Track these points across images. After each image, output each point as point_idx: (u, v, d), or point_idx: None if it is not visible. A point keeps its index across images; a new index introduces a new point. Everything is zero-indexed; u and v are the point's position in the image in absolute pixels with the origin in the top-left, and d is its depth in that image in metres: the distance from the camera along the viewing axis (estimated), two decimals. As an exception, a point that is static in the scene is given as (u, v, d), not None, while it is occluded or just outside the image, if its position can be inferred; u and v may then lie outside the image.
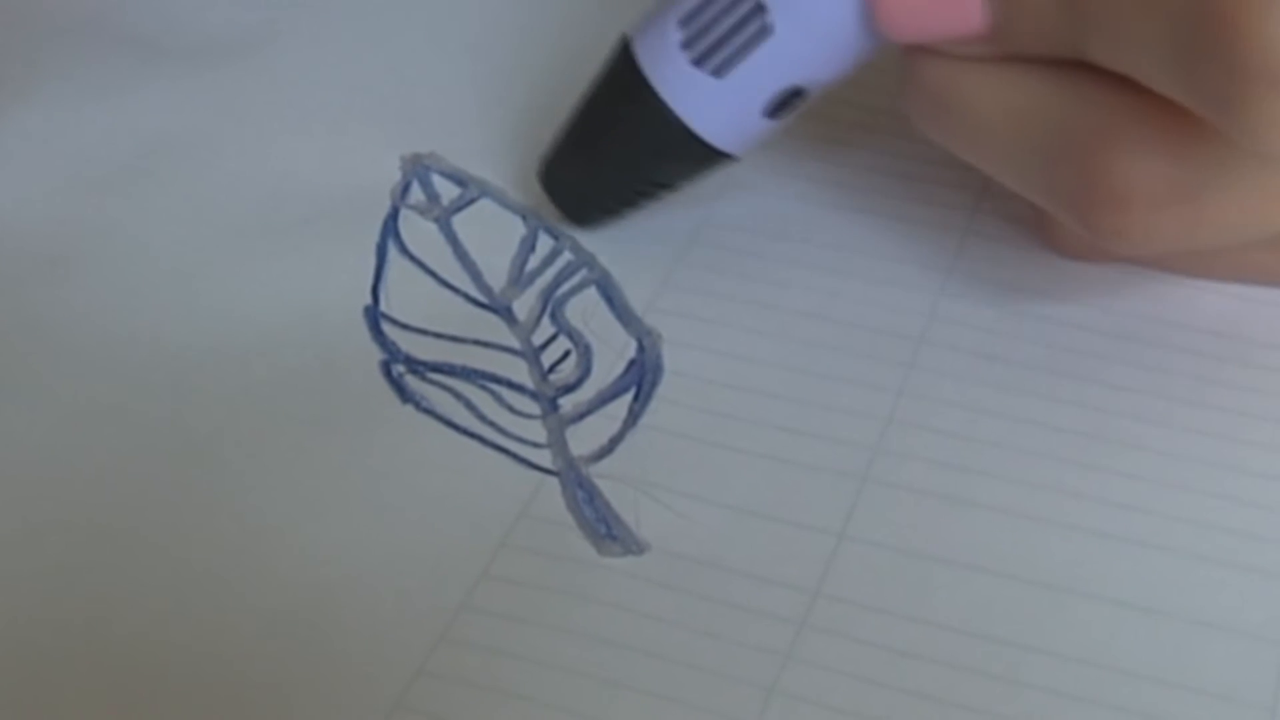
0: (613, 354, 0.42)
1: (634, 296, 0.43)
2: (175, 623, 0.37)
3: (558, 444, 0.40)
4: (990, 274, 0.44)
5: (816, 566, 0.37)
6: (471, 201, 0.46)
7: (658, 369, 0.42)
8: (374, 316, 0.43)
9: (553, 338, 0.42)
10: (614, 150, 0.43)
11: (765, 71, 0.39)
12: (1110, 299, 0.43)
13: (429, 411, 0.41)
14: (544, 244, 0.45)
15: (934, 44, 0.38)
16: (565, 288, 0.44)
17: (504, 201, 0.46)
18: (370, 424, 0.40)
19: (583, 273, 0.44)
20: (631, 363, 0.42)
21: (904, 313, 0.43)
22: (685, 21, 0.40)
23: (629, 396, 0.41)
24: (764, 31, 0.39)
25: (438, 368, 0.42)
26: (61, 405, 0.41)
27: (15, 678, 0.36)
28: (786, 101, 0.40)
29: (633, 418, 0.40)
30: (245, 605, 0.37)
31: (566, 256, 0.45)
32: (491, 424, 0.40)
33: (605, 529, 0.38)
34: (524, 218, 0.45)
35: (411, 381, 0.41)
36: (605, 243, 0.45)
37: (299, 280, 0.44)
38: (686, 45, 0.40)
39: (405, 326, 0.43)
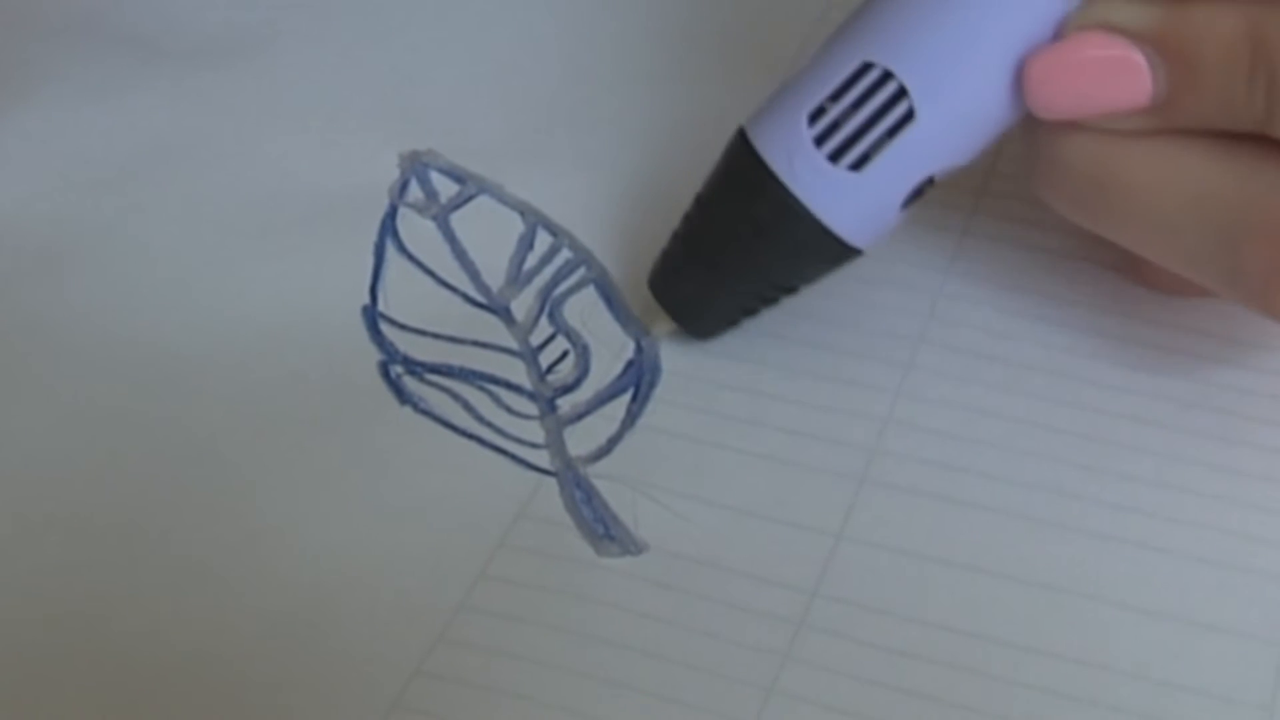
0: (610, 354, 0.42)
1: (632, 295, 0.43)
2: (174, 623, 0.37)
3: (556, 444, 0.40)
4: (988, 274, 0.44)
5: (814, 567, 0.38)
6: (470, 199, 0.46)
7: (656, 369, 0.42)
8: (372, 316, 0.43)
9: (551, 338, 0.42)
10: (743, 255, 0.40)
11: (908, 161, 0.37)
12: (1108, 301, 0.43)
13: (427, 413, 0.41)
14: (542, 241, 0.45)
15: (1088, 120, 0.36)
16: (563, 286, 0.44)
17: (502, 198, 0.46)
18: (369, 424, 0.40)
19: (581, 271, 0.44)
20: (629, 363, 0.42)
21: (902, 313, 0.43)
22: (817, 114, 0.38)
23: (627, 397, 0.41)
24: (907, 118, 0.37)
25: (435, 369, 0.42)
26: (60, 405, 0.41)
27: (14, 677, 0.36)
28: (921, 190, 0.38)
29: (631, 418, 0.40)
30: (243, 605, 0.37)
31: (565, 254, 0.45)
32: (489, 424, 0.40)
33: (603, 529, 0.38)
34: (522, 214, 0.45)
35: (410, 382, 0.41)
36: (603, 240, 0.45)
37: (298, 280, 0.44)
38: (821, 140, 0.37)
39: (403, 327, 0.43)
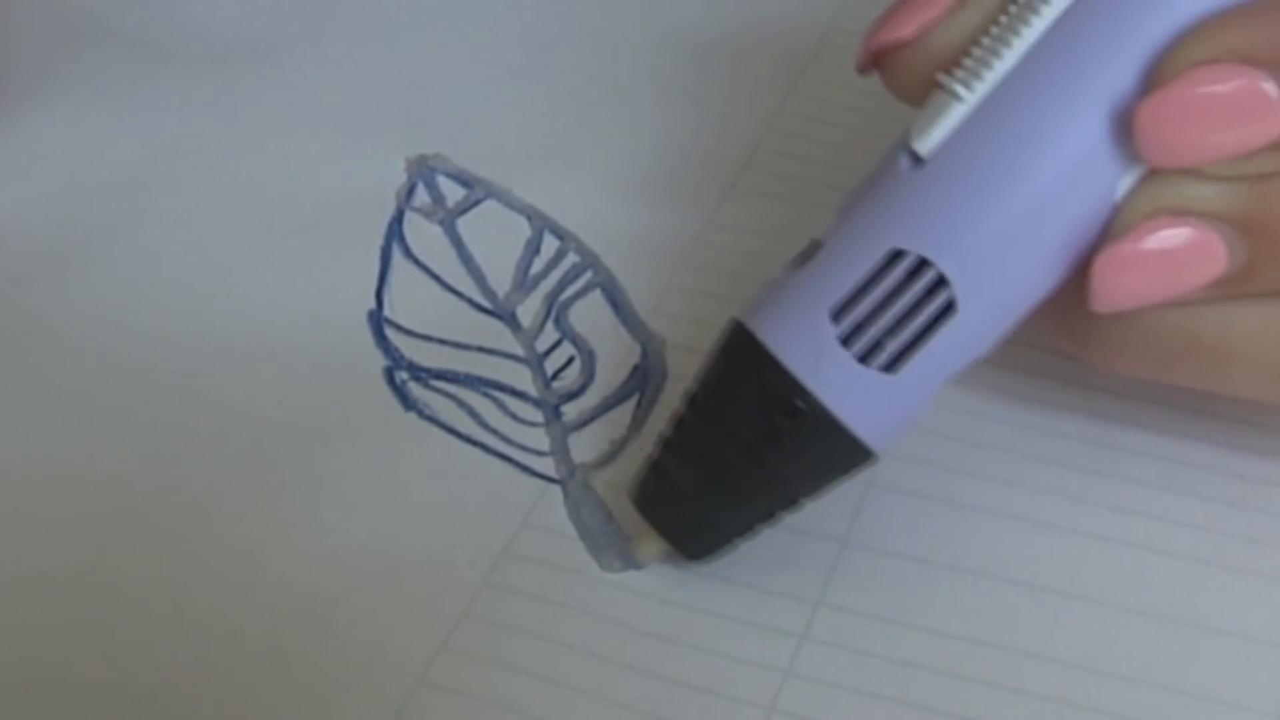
0: (617, 359, 0.42)
1: (639, 300, 0.43)
2: (176, 629, 0.37)
3: (560, 452, 0.40)
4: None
5: (819, 575, 0.37)
6: (477, 203, 0.46)
7: (663, 374, 0.42)
8: (378, 321, 0.43)
9: (556, 343, 0.42)
10: (752, 469, 0.35)
11: (947, 357, 0.34)
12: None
13: (431, 419, 0.41)
14: (549, 245, 0.45)
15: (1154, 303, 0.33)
16: (570, 291, 0.44)
17: (509, 202, 0.46)
18: (373, 430, 0.41)
19: (588, 275, 0.44)
20: (635, 368, 0.42)
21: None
22: (842, 310, 0.33)
23: (632, 403, 0.41)
24: (947, 310, 0.33)
25: (441, 375, 0.42)
26: (65, 408, 0.41)
27: (17, 679, 0.36)
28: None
29: (636, 425, 0.40)
30: (246, 612, 0.37)
31: (572, 258, 0.45)
32: (494, 432, 0.40)
33: (606, 540, 0.38)
34: (529, 218, 0.45)
35: (414, 388, 0.41)
36: (610, 244, 0.45)
37: (303, 284, 0.44)
38: (848, 339, 0.33)
39: (409, 332, 0.43)
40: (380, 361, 0.42)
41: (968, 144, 0.33)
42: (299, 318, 0.43)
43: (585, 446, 0.40)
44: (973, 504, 0.39)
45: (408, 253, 0.45)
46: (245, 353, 0.43)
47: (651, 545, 0.37)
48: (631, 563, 0.38)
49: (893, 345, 0.33)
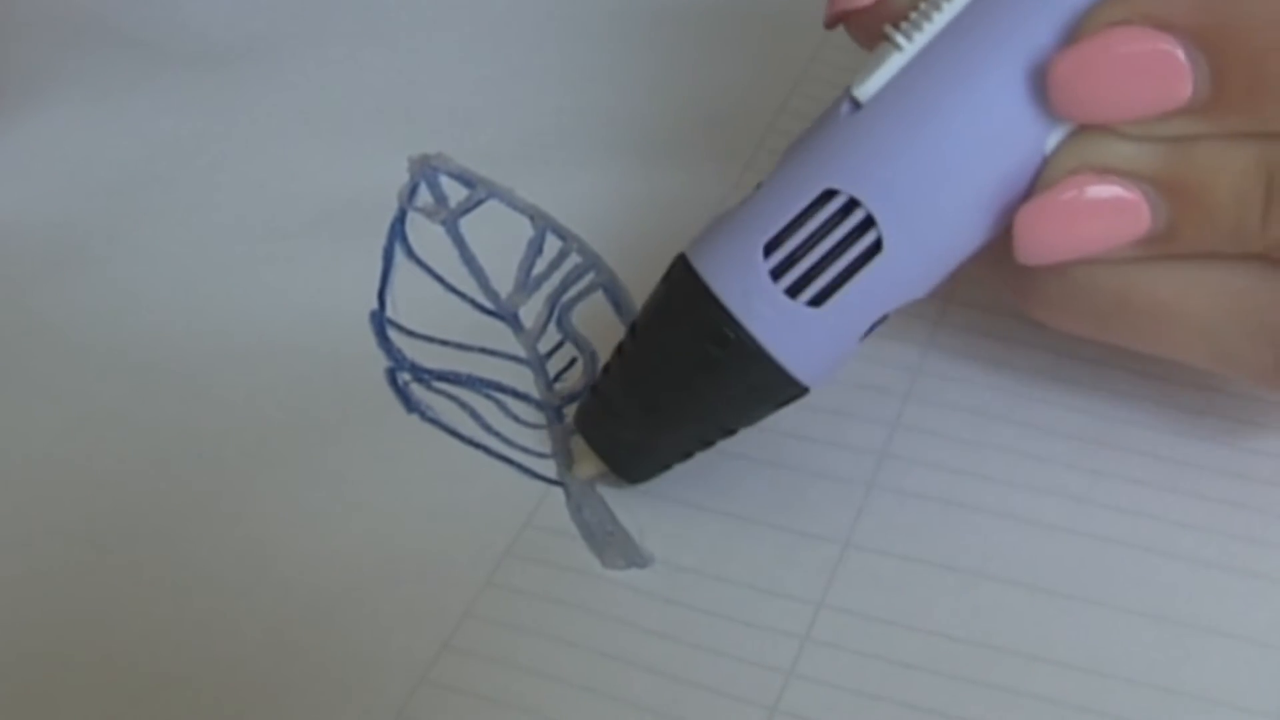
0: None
1: (641, 300, 0.43)
2: (176, 628, 0.37)
3: (562, 454, 0.40)
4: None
5: (821, 576, 0.37)
6: (479, 203, 0.46)
7: None
8: (380, 322, 0.43)
9: (559, 345, 0.42)
10: (686, 396, 0.36)
11: (873, 296, 0.35)
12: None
13: (433, 421, 0.41)
14: (551, 245, 0.45)
15: (1077, 259, 0.34)
16: (572, 292, 0.44)
17: (512, 202, 0.46)
18: (375, 431, 0.41)
19: (590, 276, 0.44)
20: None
21: (910, 317, 0.43)
22: (774, 245, 0.34)
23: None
24: (874, 250, 0.34)
25: (443, 376, 0.42)
26: (65, 408, 0.41)
27: (16, 678, 0.36)
28: (878, 323, 0.36)
29: None
30: (248, 612, 0.37)
31: (574, 259, 0.45)
32: (496, 434, 0.40)
33: (609, 540, 0.38)
34: (531, 218, 0.45)
35: (417, 390, 0.41)
36: (612, 244, 0.45)
37: (305, 285, 0.44)
38: (778, 273, 0.34)
39: (411, 333, 0.43)
40: (382, 362, 0.42)
41: (902, 91, 0.34)
42: (300, 318, 0.43)
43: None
44: (975, 505, 0.39)
45: (410, 253, 0.45)
46: (246, 353, 0.43)
47: (589, 465, 0.38)
48: (635, 561, 0.38)
49: (821, 281, 0.34)
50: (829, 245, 0.34)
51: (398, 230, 0.45)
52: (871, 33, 0.36)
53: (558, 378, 0.42)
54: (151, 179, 0.48)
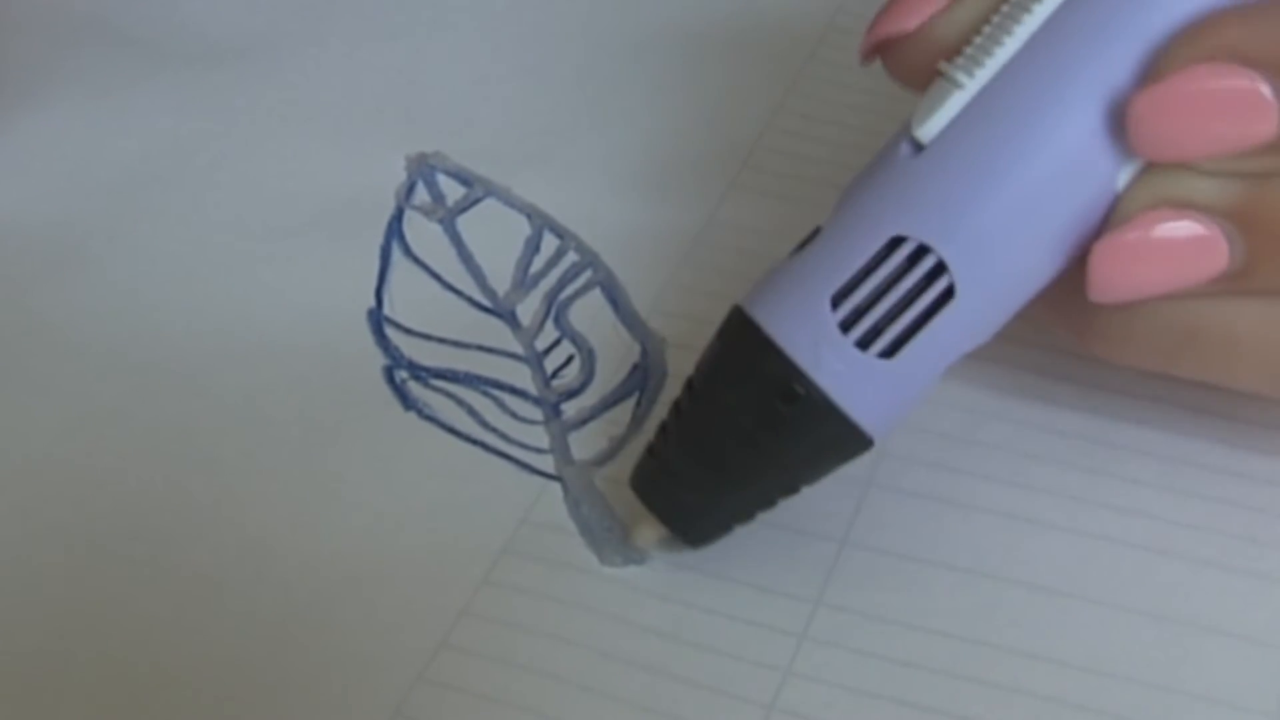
0: (616, 357, 0.42)
1: (638, 298, 0.43)
2: (173, 627, 0.37)
3: (560, 449, 0.40)
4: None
5: (818, 575, 0.37)
6: (476, 201, 0.46)
7: (662, 373, 0.41)
8: (377, 320, 0.43)
9: (556, 342, 0.42)
10: (752, 456, 0.35)
11: (946, 343, 0.34)
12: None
13: (431, 418, 0.41)
14: (549, 243, 0.45)
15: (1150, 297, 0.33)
16: (569, 290, 0.44)
17: (509, 200, 0.46)
18: (372, 430, 0.40)
19: (587, 274, 0.44)
20: (635, 366, 0.42)
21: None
22: (842, 296, 0.33)
23: (632, 401, 0.41)
24: (945, 296, 0.33)
25: (440, 374, 0.42)
26: (65, 408, 0.41)
27: (15, 682, 0.36)
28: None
29: (636, 423, 0.40)
30: (244, 610, 0.37)
31: (571, 257, 0.44)
32: (494, 430, 0.40)
33: (607, 536, 0.38)
34: (529, 216, 0.45)
35: (414, 388, 0.41)
36: (609, 242, 0.45)
37: (302, 283, 0.44)
38: (848, 325, 0.33)
39: (408, 331, 0.43)
40: (380, 360, 0.42)
41: (967, 131, 0.33)
42: (298, 317, 0.43)
43: (585, 444, 0.40)
44: (972, 503, 0.39)
45: (407, 251, 0.45)
46: (245, 352, 0.42)
47: (650, 531, 0.37)
48: (632, 558, 0.37)
49: (892, 331, 0.33)
50: (899, 294, 0.33)
51: (395, 229, 0.45)
52: (910, 67, 0.35)
53: (555, 374, 0.42)
54: (150, 178, 0.48)
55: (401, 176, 0.47)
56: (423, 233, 0.45)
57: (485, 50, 0.52)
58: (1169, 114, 0.31)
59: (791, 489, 0.36)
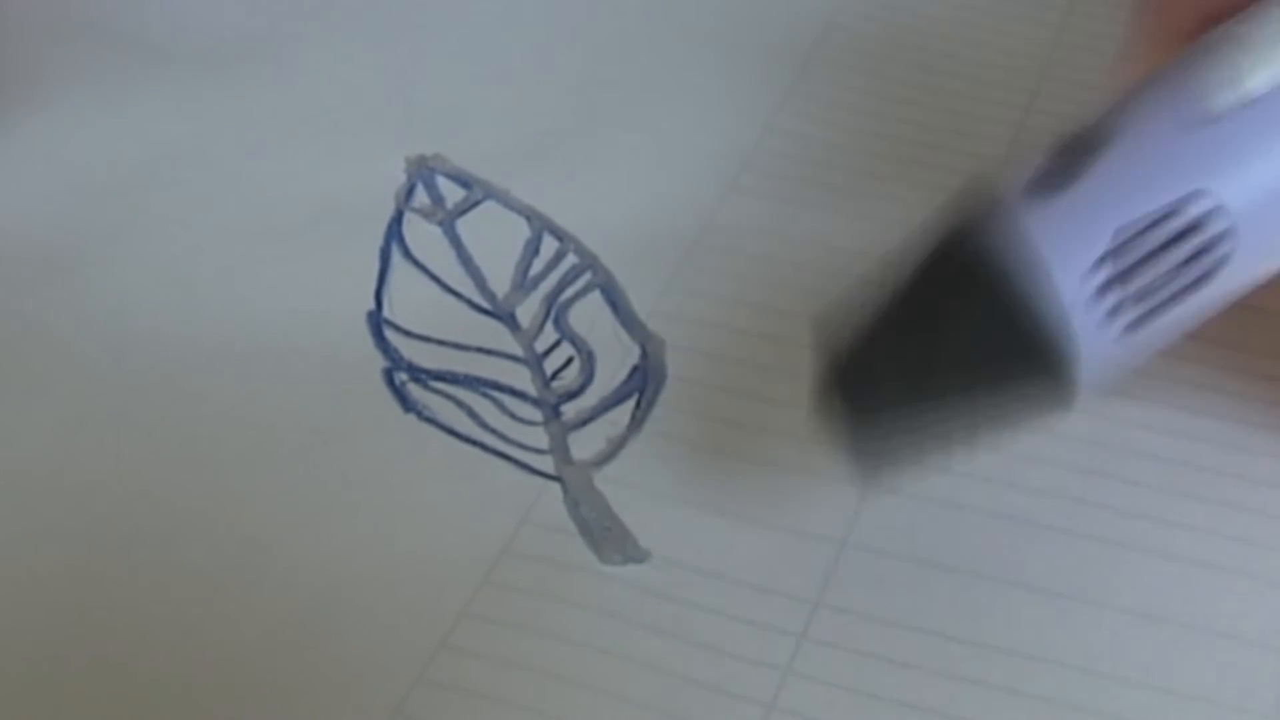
0: (616, 359, 0.42)
1: (638, 300, 0.43)
2: (174, 628, 0.37)
3: (560, 450, 0.40)
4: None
5: (818, 575, 0.37)
6: (476, 204, 0.46)
7: (662, 375, 0.41)
8: (377, 322, 0.43)
9: (556, 344, 0.42)
10: (959, 385, 0.32)
11: (1194, 316, 0.31)
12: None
13: (430, 420, 0.41)
14: (548, 246, 0.45)
15: None
16: (569, 292, 0.43)
17: (508, 203, 0.46)
18: (372, 431, 0.40)
19: (587, 276, 0.44)
20: (635, 368, 0.42)
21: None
22: (1119, 252, 0.30)
23: (632, 402, 0.41)
24: (1218, 266, 0.30)
25: (440, 376, 0.42)
26: (65, 409, 0.41)
27: (17, 682, 0.36)
28: None
29: (636, 424, 0.40)
30: (244, 612, 0.37)
31: (571, 260, 0.44)
32: (493, 431, 0.40)
33: (606, 536, 0.38)
34: (529, 219, 0.45)
35: (414, 390, 0.41)
36: (609, 244, 0.45)
37: (303, 285, 0.44)
38: (1105, 288, 0.30)
39: (408, 333, 0.43)
40: (379, 363, 0.42)
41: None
42: (298, 318, 0.43)
43: (584, 445, 0.40)
44: (971, 505, 0.39)
45: (407, 253, 0.45)
46: (244, 354, 0.42)
47: (827, 420, 0.33)
48: (632, 557, 0.37)
49: (1149, 303, 0.31)
50: (1171, 262, 0.30)
51: (395, 231, 0.45)
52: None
53: (555, 376, 0.42)
54: (149, 180, 0.48)
55: (401, 179, 0.47)
56: (422, 235, 0.45)
57: (484, 52, 0.52)
58: None
59: (972, 432, 0.33)
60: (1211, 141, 0.30)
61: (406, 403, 0.41)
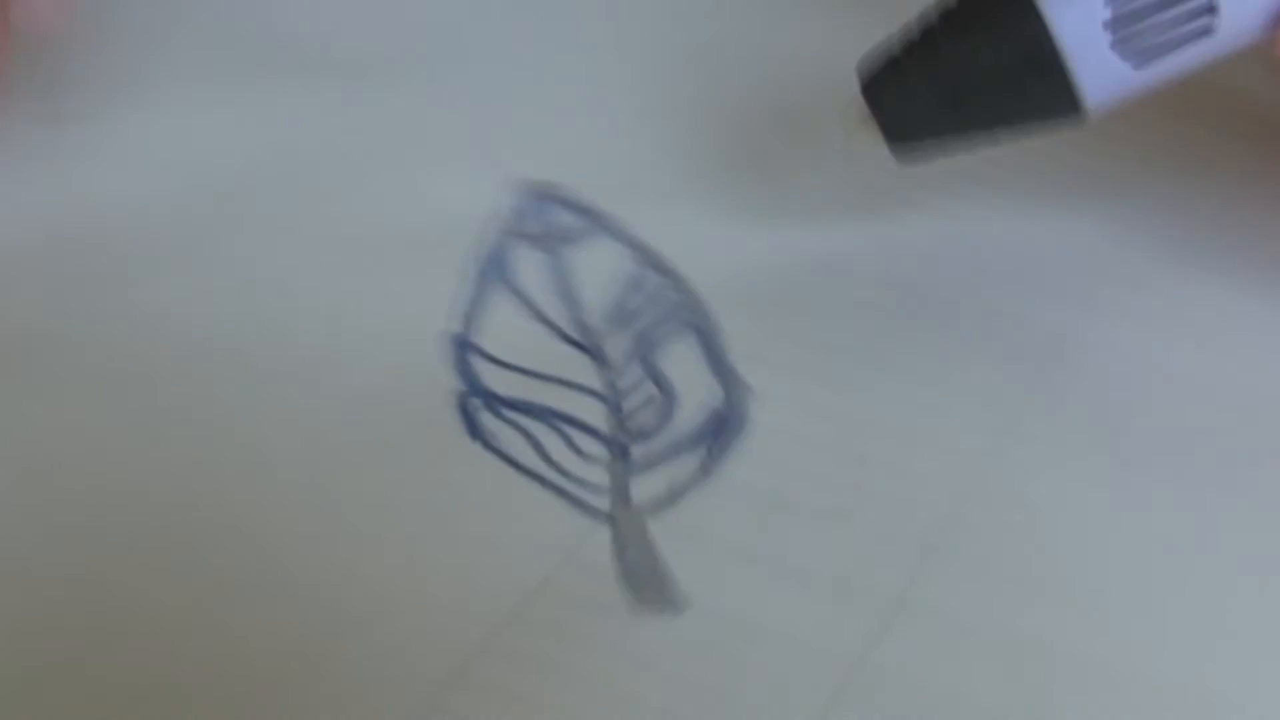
0: (697, 401, 0.41)
1: (737, 344, 0.43)
2: (206, 631, 0.37)
3: (619, 491, 0.39)
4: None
5: (859, 634, 0.36)
6: (583, 234, 0.46)
7: (740, 424, 0.41)
8: (461, 345, 0.43)
9: (639, 382, 0.42)
10: (985, 100, 0.40)
11: (1184, 67, 0.38)
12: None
13: (494, 449, 0.40)
14: (650, 281, 0.44)
15: None
16: (662, 331, 0.43)
17: (616, 234, 0.45)
18: (432, 452, 0.40)
19: (684, 316, 0.43)
20: (713, 414, 0.41)
21: (995, 371, 0.42)
22: (1120, 2, 0.38)
23: (703, 450, 0.40)
24: (1206, 32, 0.38)
25: (514, 405, 0.41)
26: (128, 406, 0.41)
27: (32, 686, 0.36)
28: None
29: (703, 471, 0.40)
30: (266, 626, 0.37)
31: (671, 296, 0.44)
32: (555, 465, 0.40)
33: (648, 581, 0.37)
34: (633, 251, 0.45)
35: (485, 417, 0.41)
36: (710, 281, 0.44)
37: (391, 301, 0.44)
38: (1113, 26, 0.38)
39: (492, 359, 0.42)
40: (450, 384, 0.42)
41: None
42: (379, 334, 0.43)
43: (645, 487, 0.39)
44: (1035, 580, 0.37)
45: (504, 278, 0.44)
46: (323, 363, 0.42)
47: (868, 132, 0.41)
48: (669, 606, 0.37)
49: (1148, 47, 0.38)
50: (1169, 17, 0.38)
51: (494, 254, 0.45)
52: None
53: (630, 415, 0.41)
54: (257, 183, 0.48)
55: (509, 202, 0.46)
56: (522, 260, 0.45)
57: (599, 81, 0.51)
58: None
59: (992, 129, 0.40)
60: None
61: (475, 429, 0.40)
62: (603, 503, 0.39)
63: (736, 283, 0.44)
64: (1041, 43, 0.38)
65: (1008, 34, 0.38)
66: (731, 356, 0.42)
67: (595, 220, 0.46)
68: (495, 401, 0.41)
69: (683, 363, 0.42)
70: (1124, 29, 0.38)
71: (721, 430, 0.40)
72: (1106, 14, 0.38)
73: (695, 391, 0.41)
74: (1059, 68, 0.38)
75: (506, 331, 0.43)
